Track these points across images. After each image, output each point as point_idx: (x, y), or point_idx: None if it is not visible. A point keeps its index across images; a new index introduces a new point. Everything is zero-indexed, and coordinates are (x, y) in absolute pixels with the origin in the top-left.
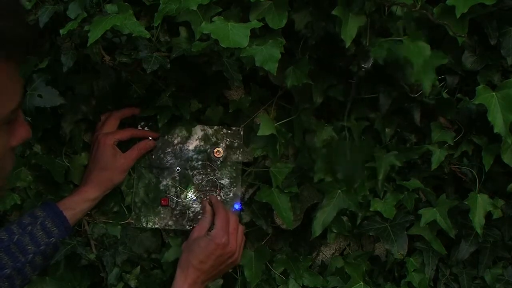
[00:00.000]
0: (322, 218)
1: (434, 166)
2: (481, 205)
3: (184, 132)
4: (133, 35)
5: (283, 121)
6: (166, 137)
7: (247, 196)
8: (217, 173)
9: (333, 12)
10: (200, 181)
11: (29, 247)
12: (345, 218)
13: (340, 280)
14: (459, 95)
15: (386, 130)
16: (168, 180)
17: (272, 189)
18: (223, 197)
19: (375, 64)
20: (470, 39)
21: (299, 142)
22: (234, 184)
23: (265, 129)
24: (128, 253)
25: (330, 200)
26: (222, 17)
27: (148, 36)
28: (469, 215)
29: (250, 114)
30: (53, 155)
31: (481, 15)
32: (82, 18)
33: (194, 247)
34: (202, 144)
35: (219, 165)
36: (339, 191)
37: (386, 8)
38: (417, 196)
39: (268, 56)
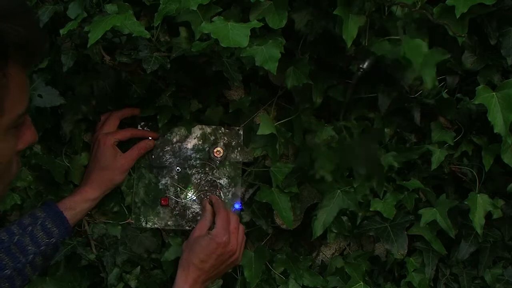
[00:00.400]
0: (323, 218)
1: (434, 166)
2: (481, 205)
3: (184, 132)
4: (133, 35)
5: (283, 121)
6: (165, 137)
7: (247, 196)
8: (217, 173)
9: (335, 12)
10: (200, 181)
11: (29, 248)
12: (345, 218)
13: (340, 280)
14: (459, 95)
15: (386, 130)
16: (168, 180)
17: (272, 189)
18: (223, 197)
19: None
20: (470, 39)
21: (299, 142)
22: (234, 184)
23: (265, 129)
24: (128, 253)
25: (330, 200)
26: (222, 17)
27: (148, 36)
28: (469, 215)
29: (250, 114)
30: (53, 155)
31: (481, 15)
32: (82, 18)
33: (195, 246)
34: (202, 144)
35: (219, 165)
36: (339, 191)
37: (386, 8)
38: (417, 196)
39: (268, 56)
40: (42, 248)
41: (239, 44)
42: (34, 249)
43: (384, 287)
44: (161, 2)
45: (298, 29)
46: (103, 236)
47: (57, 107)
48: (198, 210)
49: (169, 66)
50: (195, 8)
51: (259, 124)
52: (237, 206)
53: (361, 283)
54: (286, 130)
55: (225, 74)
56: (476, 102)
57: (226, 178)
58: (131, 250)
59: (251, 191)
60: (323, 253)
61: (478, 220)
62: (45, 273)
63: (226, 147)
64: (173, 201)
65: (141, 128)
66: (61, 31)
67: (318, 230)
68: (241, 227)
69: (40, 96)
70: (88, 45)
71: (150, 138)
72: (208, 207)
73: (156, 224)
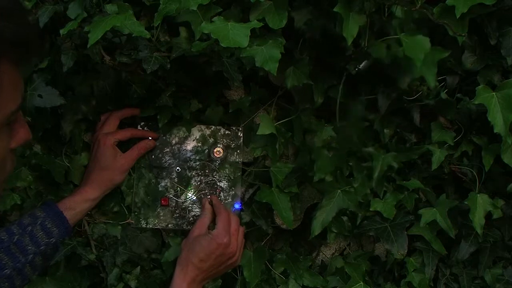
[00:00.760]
0: (322, 217)
1: (434, 166)
2: (481, 205)
3: (184, 132)
4: (133, 35)
5: (283, 121)
6: (165, 137)
7: (247, 196)
8: (217, 173)
9: (335, 9)
10: (200, 181)
11: (29, 248)
12: (345, 218)
13: (340, 280)
14: (459, 95)
15: (385, 130)
16: (168, 180)
17: (272, 189)
18: (223, 197)
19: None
20: (470, 39)
21: (299, 142)
22: (234, 184)
23: (265, 128)
24: (128, 253)
25: (330, 200)
26: (222, 17)
27: (148, 36)
28: (469, 215)
29: (250, 114)
30: (53, 155)
31: (481, 15)
32: (82, 18)
33: (195, 245)
34: (202, 144)
35: (219, 165)
36: (339, 191)
37: (386, 9)
38: (417, 196)
39: (268, 56)
40: (42, 248)
41: (239, 44)
42: (33, 249)
43: (384, 287)
44: (161, 2)
45: (298, 28)
46: (103, 236)
47: (57, 107)
48: (198, 211)
49: (169, 66)
50: (195, 8)
51: (259, 124)
52: (237, 206)
53: (361, 283)
54: (286, 130)
55: (225, 74)
56: (476, 102)
57: (226, 178)
58: (131, 250)
59: (251, 191)
60: (323, 253)
61: (478, 220)
62: (45, 273)
63: (226, 147)
64: (173, 201)
65: (141, 128)
66: (61, 31)
67: (317, 229)
68: (241, 229)
69: (40, 96)
70: (88, 45)
71: (150, 138)
72: (208, 206)
73: (156, 224)
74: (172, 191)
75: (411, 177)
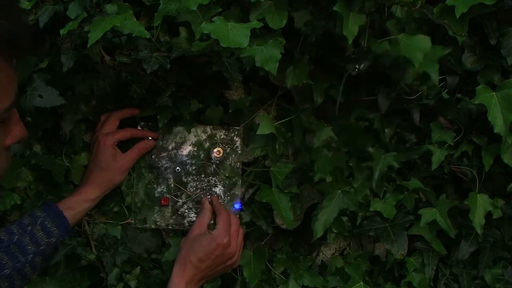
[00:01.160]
0: (323, 219)
1: (434, 166)
2: (481, 205)
3: (184, 132)
4: (133, 35)
5: (283, 121)
6: (166, 137)
7: (247, 196)
8: (217, 173)
9: (334, 8)
10: (200, 181)
11: (29, 247)
12: (345, 218)
13: (340, 280)
14: (459, 95)
15: (386, 130)
16: (168, 180)
17: (272, 189)
18: (223, 197)
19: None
20: (470, 39)
21: (299, 142)
22: (234, 184)
23: (264, 128)
24: (128, 253)
25: (330, 200)
26: (222, 17)
27: (148, 36)
28: (469, 215)
29: (250, 114)
30: (53, 155)
31: (481, 15)
32: (82, 18)
33: (194, 244)
34: (202, 144)
35: (219, 165)
36: (339, 191)
37: (386, 9)
38: (417, 196)
39: (268, 56)
40: (41, 247)
41: (239, 44)
42: (33, 248)
43: (384, 287)
44: (161, 2)
45: (298, 28)
46: (103, 236)
47: (57, 107)
48: (198, 211)
49: (169, 66)
50: (195, 8)
51: (259, 124)
52: (237, 206)
53: (361, 283)
54: (286, 130)
55: (225, 74)
56: (476, 102)
57: (226, 178)
58: (131, 250)
59: (251, 191)
60: (323, 253)
61: (478, 220)
62: (45, 273)
63: (226, 147)
64: (173, 201)
65: (140, 128)
66: (61, 31)
67: (319, 231)
68: (241, 231)
69: (40, 96)
70: (88, 45)
71: (150, 138)
72: (207, 205)
73: (156, 224)
74: (172, 190)
75: (411, 177)
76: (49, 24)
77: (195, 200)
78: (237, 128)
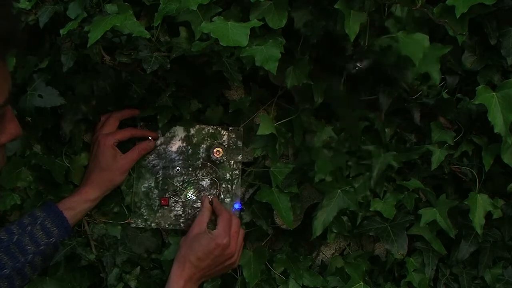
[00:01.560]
0: (322, 218)
1: (434, 166)
2: (481, 205)
3: (184, 132)
4: (133, 35)
5: (283, 121)
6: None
7: (247, 196)
8: (217, 173)
9: (335, 6)
10: (200, 181)
11: (28, 247)
12: (345, 218)
13: (340, 280)
14: (459, 95)
15: (386, 130)
16: (168, 180)
17: (272, 189)
18: (222, 197)
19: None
20: (470, 39)
21: (299, 142)
22: (234, 184)
23: (265, 129)
24: (128, 253)
25: (330, 200)
26: (222, 17)
27: (148, 36)
28: (469, 215)
29: (250, 114)
30: (53, 155)
31: (481, 15)
32: (82, 18)
33: (194, 243)
34: (202, 143)
35: (219, 165)
36: (339, 191)
37: (386, 8)
38: (417, 196)
39: (268, 56)
40: (41, 247)
41: (239, 43)
42: (33, 248)
43: (384, 287)
44: (161, 2)
45: (298, 28)
46: (103, 236)
47: (57, 107)
48: (198, 211)
49: (169, 66)
50: (195, 8)
51: (259, 124)
52: (237, 206)
53: (361, 283)
54: (286, 130)
55: (225, 74)
56: (476, 102)
57: (226, 179)
58: (131, 250)
59: (251, 191)
60: (323, 253)
61: (478, 220)
62: (45, 273)
63: (226, 147)
64: (173, 201)
65: (140, 128)
66: (61, 31)
67: (318, 230)
68: (241, 232)
69: (40, 96)
70: (88, 45)
71: (150, 138)
72: (207, 204)
73: (157, 224)
74: (172, 190)
75: (411, 177)
76: (49, 24)
77: (200, 195)
78: (237, 128)
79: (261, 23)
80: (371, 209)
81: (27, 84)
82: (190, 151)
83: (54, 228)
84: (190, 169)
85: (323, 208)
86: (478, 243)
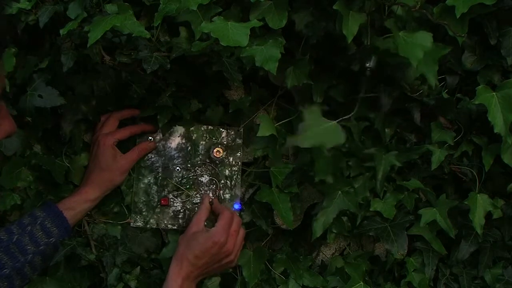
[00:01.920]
0: (323, 219)
1: (434, 166)
2: (481, 205)
3: (184, 132)
4: (133, 35)
5: (283, 121)
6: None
7: (247, 196)
8: (217, 173)
9: (334, 7)
10: (200, 181)
11: (28, 247)
12: (345, 219)
13: (340, 280)
14: (459, 95)
15: (386, 130)
16: (168, 180)
17: (272, 189)
18: (223, 197)
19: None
20: (470, 39)
21: None
22: (234, 184)
23: (265, 130)
24: (128, 253)
25: (330, 201)
26: (222, 17)
27: (148, 36)
28: (469, 215)
29: (250, 114)
30: (53, 155)
31: (481, 15)
32: (82, 18)
33: (191, 241)
34: (202, 143)
35: (219, 165)
36: (340, 192)
37: (386, 8)
38: (417, 196)
39: (268, 56)
40: (41, 247)
41: (239, 43)
42: (33, 248)
43: (384, 287)
44: (161, 2)
45: (299, 30)
46: (103, 236)
47: (57, 107)
48: (197, 206)
49: (169, 66)
50: (195, 8)
51: (259, 124)
52: (237, 206)
53: (361, 283)
54: (286, 130)
55: (225, 74)
56: (476, 102)
57: (226, 179)
58: (131, 250)
59: (251, 191)
60: (323, 253)
61: (478, 220)
62: (45, 273)
63: (226, 147)
64: (173, 201)
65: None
66: (61, 31)
67: (318, 231)
68: (242, 231)
69: (40, 96)
70: (88, 45)
71: (151, 138)
72: (206, 202)
73: (157, 224)
74: (172, 190)
75: (411, 177)
76: (49, 24)
77: (195, 195)
78: (237, 128)
79: (261, 23)
80: (371, 209)
81: (27, 84)
82: (189, 148)
83: (54, 228)
84: (189, 165)
85: (324, 209)
86: (478, 243)
